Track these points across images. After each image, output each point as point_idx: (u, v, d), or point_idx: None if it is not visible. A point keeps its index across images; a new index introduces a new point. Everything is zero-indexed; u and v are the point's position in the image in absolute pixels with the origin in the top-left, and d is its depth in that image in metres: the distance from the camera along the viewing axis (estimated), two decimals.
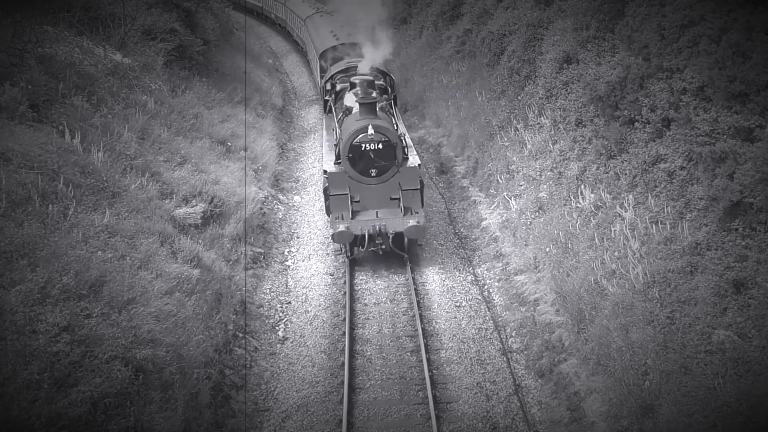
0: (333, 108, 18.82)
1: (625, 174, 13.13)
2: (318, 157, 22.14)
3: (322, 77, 23.60)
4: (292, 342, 13.62)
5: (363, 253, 15.82)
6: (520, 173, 16.56)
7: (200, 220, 14.72)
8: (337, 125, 17.05)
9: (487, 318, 14.12)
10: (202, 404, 10.72)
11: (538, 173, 15.87)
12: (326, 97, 20.24)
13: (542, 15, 19.33)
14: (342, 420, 11.17)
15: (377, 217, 15.50)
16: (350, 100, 17.08)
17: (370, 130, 15.16)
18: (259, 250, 16.48)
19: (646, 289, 10.85)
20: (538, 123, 17.00)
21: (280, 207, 19.36)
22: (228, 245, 15.13)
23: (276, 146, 22.44)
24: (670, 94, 12.43)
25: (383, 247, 15.54)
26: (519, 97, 18.45)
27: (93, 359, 8.81)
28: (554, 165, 15.50)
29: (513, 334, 13.55)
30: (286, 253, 17.11)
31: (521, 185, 16.32)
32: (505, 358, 12.85)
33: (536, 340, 12.92)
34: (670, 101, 12.35)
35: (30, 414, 7.81)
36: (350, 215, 15.35)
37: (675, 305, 10.24)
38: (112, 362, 8.91)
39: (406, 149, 15.92)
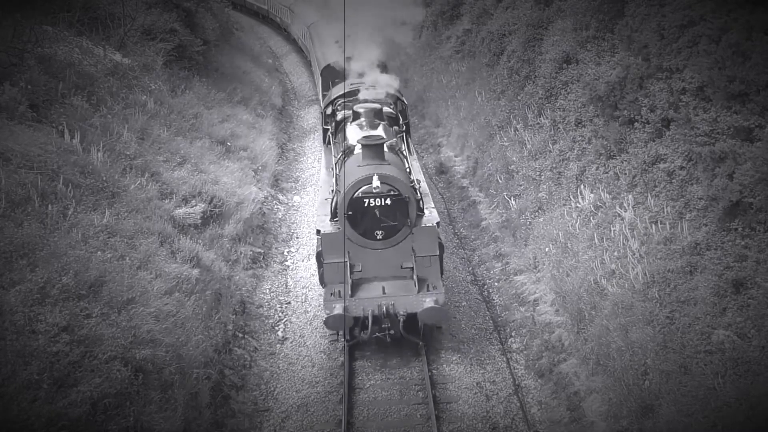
0: (332, 141, 15.76)
1: (625, 174, 13.13)
2: (317, 157, 22.04)
3: (324, 96, 20.28)
4: (291, 342, 13.61)
5: (366, 338, 12.36)
6: (520, 173, 16.56)
7: (200, 220, 14.71)
8: (335, 167, 13.96)
9: (487, 318, 14.12)
10: (202, 404, 10.72)
11: (538, 173, 15.87)
12: (326, 126, 16.98)
13: (542, 15, 19.33)
14: (342, 420, 11.17)
15: (384, 293, 12.26)
16: (353, 133, 14.33)
17: (376, 182, 12.11)
18: (259, 250, 16.47)
19: (645, 289, 10.85)
20: (538, 123, 17.00)
21: (279, 207, 19.36)
22: (227, 245, 15.13)
23: (275, 146, 22.44)
24: (670, 94, 12.43)
25: (392, 332, 12.20)
26: (518, 97, 18.45)
27: (92, 359, 8.80)
28: (554, 165, 15.50)
29: (513, 334, 13.55)
30: (285, 253, 17.11)
31: (521, 185, 16.32)
32: (504, 358, 12.85)
33: (536, 340, 12.92)
34: (670, 101, 12.36)
35: (30, 414, 7.81)
36: (349, 291, 12.19)
37: (674, 305, 10.24)
38: (111, 362, 8.90)
39: (421, 202, 12.96)
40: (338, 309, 11.95)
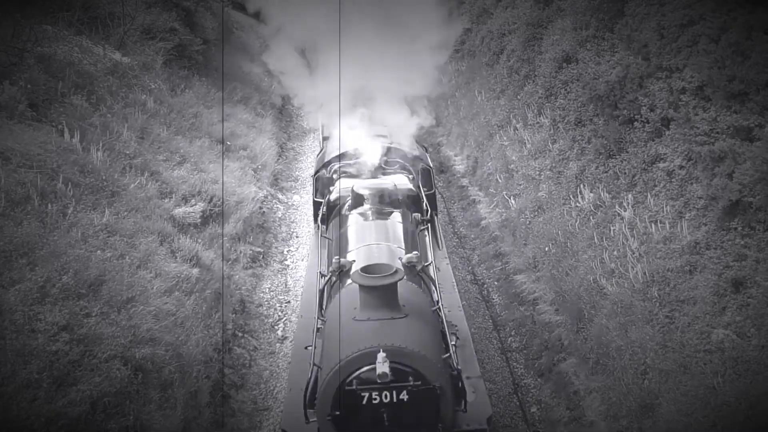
0: (322, 234, 11.10)
1: (625, 173, 13.13)
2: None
3: (323, 139, 15.77)
4: (291, 341, 13.61)
5: None
6: (520, 172, 16.56)
7: (199, 220, 14.70)
8: (322, 293, 9.20)
9: (487, 317, 14.12)
10: (202, 403, 10.73)
11: (538, 172, 15.87)
12: (317, 198, 12.45)
13: (541, 14, 19.34)
14: None
15: None
16: (354, 226, 9.95)
17: (381, 366, 6.94)
18: (258, 249, 16.47)
19: (645, 289, 10.85)
20: (538, 122, 17.00)
21: (279, 206, 19.35)
22: (227, 244, 15.13)
23: (275, 145, 22.43)
24: (670, 93, 12.43)
25: None
26: (518, 97, 18.45)
27: (92, 358, 8.80)
28: (553, 164, 15.50)
29: (512, 333, 13.55)
30: (285, 252, 17.11)
31: (520, 184, 16.32)
32: (504, 358, 12.86)
33: (535, 340, 12.92)
34: (670, 100, 12.36)
35: (29, 413, 7.81)
36: None
37: (674, 304, 10.24)
38: (111, 361, 8.90)
39: (461, 381, 7.77)
40: None
